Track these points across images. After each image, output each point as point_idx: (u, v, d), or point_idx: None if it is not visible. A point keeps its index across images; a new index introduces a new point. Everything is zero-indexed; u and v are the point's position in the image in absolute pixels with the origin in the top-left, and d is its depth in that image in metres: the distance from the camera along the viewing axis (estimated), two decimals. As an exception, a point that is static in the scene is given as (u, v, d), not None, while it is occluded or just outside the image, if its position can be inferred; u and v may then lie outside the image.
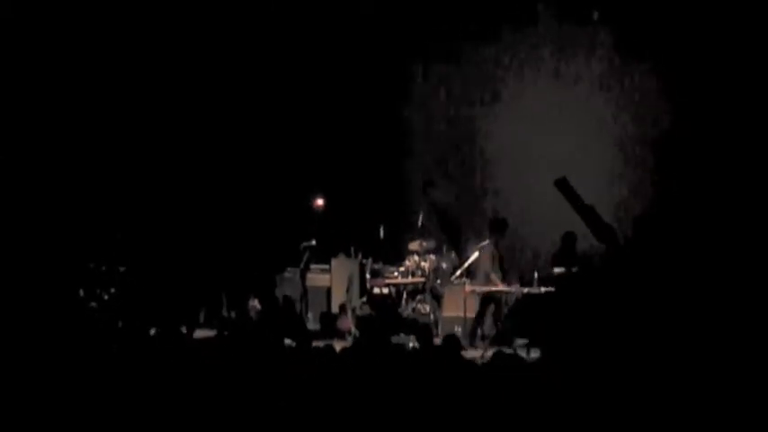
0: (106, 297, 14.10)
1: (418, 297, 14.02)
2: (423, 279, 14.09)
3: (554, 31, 14.40)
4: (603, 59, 14.21)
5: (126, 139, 15.10)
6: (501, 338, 12.47)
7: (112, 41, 14.78)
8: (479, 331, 13.21)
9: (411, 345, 11.63)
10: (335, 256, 14.39)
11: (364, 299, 13.91)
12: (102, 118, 14.97)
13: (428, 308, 13.83)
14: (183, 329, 8.64)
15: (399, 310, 13.92)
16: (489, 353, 10.05)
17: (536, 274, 12.98)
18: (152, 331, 7.93)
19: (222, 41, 15.01)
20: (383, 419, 6.20)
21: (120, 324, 10.65)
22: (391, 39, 14.84)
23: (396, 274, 14.28)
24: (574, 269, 12.41)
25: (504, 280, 13.31)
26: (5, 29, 14.37)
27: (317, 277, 14.53)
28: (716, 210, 12.62)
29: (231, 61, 15.07)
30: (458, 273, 13.97)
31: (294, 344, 8.18)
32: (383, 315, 13.63)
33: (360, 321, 13.44)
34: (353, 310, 13.58)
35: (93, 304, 13.82)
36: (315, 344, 7.99)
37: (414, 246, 14.29)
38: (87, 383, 6.79)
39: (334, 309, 13.92)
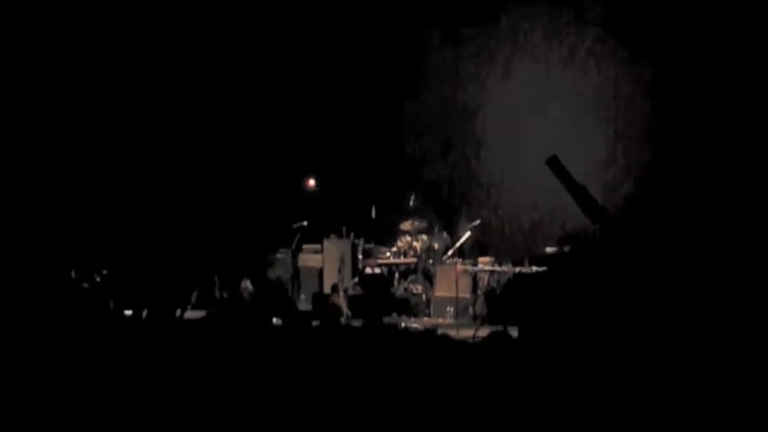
0: (98, 278, 14.07)
1: (410, 277, 14.04)
2: (414, 259, 14.12)
3: (544, 14, 14.35)
4: (594, 42, 14.17)
5: (117, 120, 15.07)
6: (493, 318, 12.49)
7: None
8: (472, 311, 13.26)
9: (403, 325, 11.67)
10: (327, 236, 14.39)
11: (356, 279, 13.93)
12: (89, 101, 14.94)
13: (420, 288, 13.86)
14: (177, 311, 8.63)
15: (391, 290, 13.95)
16: (481, 332, 10.08)
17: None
18: (144, 312, 7.93)
19: (210, 23, 14.97)
20: (374, 398, 6.21)
21: (111, 305, 10.66)
22: (383, 19, 14.80)
23: (388, 254, 14.30)
24: (566, 248, 12.42)
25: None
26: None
27: (309, 258, 14.53)
28: (706, 191, 12.63)
29: (220, 42, 15.01)
30: (450, 252, 14.00)
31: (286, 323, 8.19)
32: (375, 295, 13.66)
33: (352, 302, 13.46)
34: (345, 291, 13.59)
35: (86, 285, 13.80)
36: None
37: (406, 226, 14.31)
38: (79, 365, 6.79)
39: (327, 289, 13.92)
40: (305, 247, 14.58)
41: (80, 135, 14.93)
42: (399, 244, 14.27)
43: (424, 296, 13.79)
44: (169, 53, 15.00)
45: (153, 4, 14.84)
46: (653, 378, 6.24)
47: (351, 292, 13.67)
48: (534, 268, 12.91)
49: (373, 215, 14.31)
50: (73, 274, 13.87)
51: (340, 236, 14.31)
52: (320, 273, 14.33)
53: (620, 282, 10.38)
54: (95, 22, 14.71)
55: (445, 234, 14.34)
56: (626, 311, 9.75)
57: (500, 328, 7.64)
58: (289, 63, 15.11)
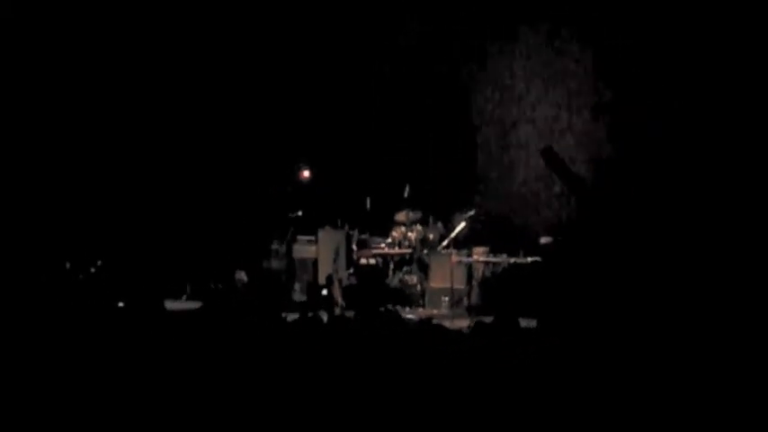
0: (93, 270, 14.07)
1: (405, 268, 14.04)
2: (409, 250, 14.11)
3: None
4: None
5: (111, 113, 15.07)
6: (488, 308, 12.52)
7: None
8: (466, 301, 13.29)
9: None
10: (322, 227, 14.38)
11: (351, 270, 13.92)
12: (86, 99, 14.98)
13: (415, 278, 13.86)
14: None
15: (386, 280, 13.95)
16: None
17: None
18: (132, 304, 7.92)
19: (207, 18, 14.98)
20: (369, 388, 6.21)
21: (106, 297, 10.65)
22: (384, 15, 14.84)
23: (382, 244, 14.28)
24: (560, 238, 12.45)
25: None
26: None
27: (304, 249, 14.50)
28: (699, 176, 12.67)
29: (216, 36, 15.01)
30: (444, 243, 14.00)
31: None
32: (370, 286, 13.66)
33: (347, 292, 13.46)
34: (340, 282, 13.58)
35: (81, 276, 13.81)
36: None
37: (400, 216, 14.29)
38: (74, 357, 6.78)
39: (321, 280, 13.92)
40: (299, 238, 14.56)
41: (75, 130, 14.95)
42: (394, 234, 14.25)
43: (418, 287, 13.79)
44: (165, 45, 15.00)
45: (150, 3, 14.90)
46: (652, 370, 6.23)
47: (345, 282, 13.66)
48: (529, 258, 12.92)
49: (368, 206, 14.29)
50: (68, 265, 13.89)
51: (335, 227, 14.30)
52: (315, 263, 14.31)
53: (613, 272, 10.40)
54: (95, 22, 14.77)
55: (440, 224, 14.33)
56: (621, 302, 9.77)
57: (494, 318, 7.63)
58: (284, 55, 15.09)
